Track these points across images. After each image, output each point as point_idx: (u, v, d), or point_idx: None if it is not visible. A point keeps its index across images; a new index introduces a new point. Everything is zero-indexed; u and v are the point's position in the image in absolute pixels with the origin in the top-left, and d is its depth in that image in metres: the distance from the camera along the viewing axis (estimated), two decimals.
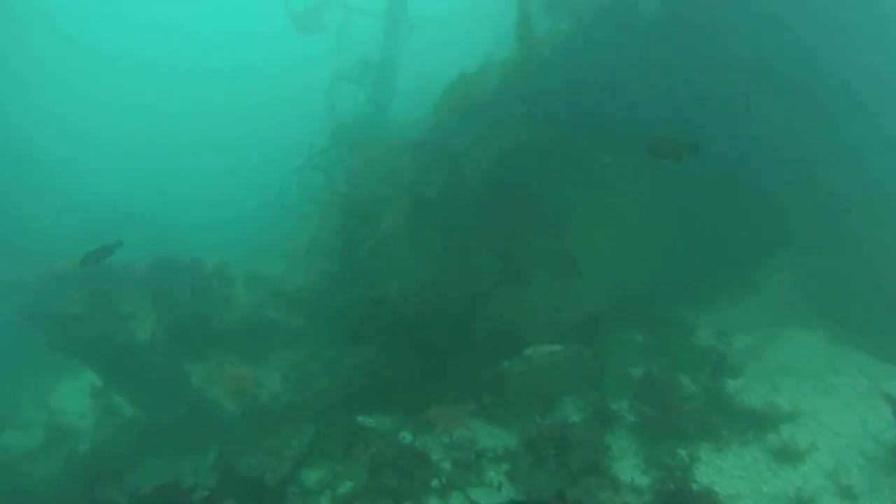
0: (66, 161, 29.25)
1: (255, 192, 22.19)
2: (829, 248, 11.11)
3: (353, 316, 9.91)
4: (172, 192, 24.22)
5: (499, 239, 9.62)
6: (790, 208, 11.18)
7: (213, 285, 11.78)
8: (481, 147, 9.80)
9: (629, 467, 8.62)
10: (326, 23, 15.92)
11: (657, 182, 10.50)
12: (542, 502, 7.50)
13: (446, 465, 9.04)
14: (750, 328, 11.20)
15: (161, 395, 10.62)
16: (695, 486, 8.07)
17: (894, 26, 10.60)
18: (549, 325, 10.27)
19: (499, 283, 9.64)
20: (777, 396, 9.46)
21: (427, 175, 9.48)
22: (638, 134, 10.37)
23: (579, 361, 10.30)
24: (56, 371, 16.22)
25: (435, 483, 8.75)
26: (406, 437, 9.64)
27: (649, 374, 10.14)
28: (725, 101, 9.97)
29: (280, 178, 10.30)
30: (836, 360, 10.50)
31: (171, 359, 10.72)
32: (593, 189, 10.52)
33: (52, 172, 27.34)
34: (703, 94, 10.04)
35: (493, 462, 9.09)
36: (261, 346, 11.42)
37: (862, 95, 10.53)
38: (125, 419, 12.15)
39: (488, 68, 11.30)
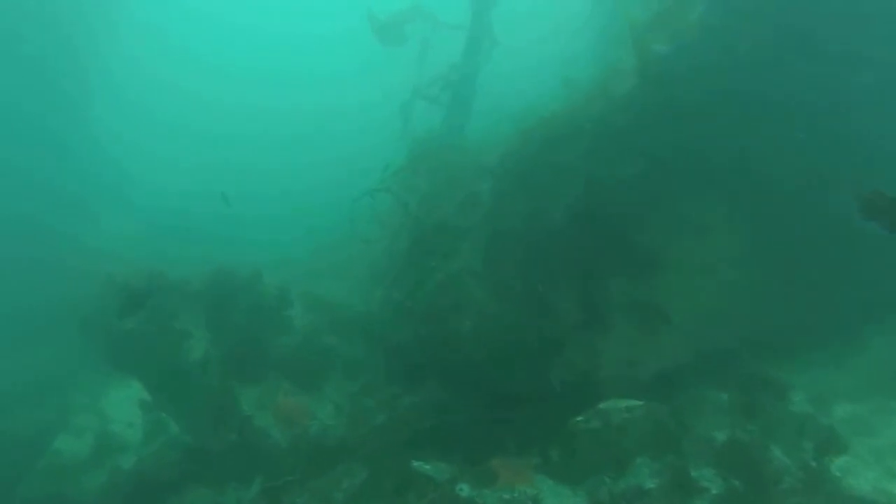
0: (149, 159, 29.90)
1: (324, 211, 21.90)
2: None
3: (417, 352, 9.10)
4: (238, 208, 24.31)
5: (580, 280, 8.67)
6: None
7: (272, 306, 11.19)
8: (566, 178, 8.92)
9: None
10: (409, 34, 15.28)
11: (759, 228, 9.46)
12: None
13: None
14: (855, 396, 9.87)
15: (209, 418, 10.02)
16: None
17: None
18: (627, 378, 9.26)
19: (577, 329, 8.68)
20: (892, 484, 8.18)
21: (507, 205, 8.65)
22: (746, 175, 9.59)
23: (658, 420, 9.24)
24: (111, 374, 16.01)
25: None
26: (464, 489, 8.72)
27: (735, 440, 9.02)
28: (847, 141, 8.84)
29: (351, 199, 9.66)
30: None
31: (222, 381, 10.12)
32: (686, 232, 9.49)
33: (133, 171, 27.78)
34: (819, 133, 8.95)
35: None
36: (316, 373, 10.74)
37: None
38: (171, 436, 11.64)
39: (574, 93, 10.51)
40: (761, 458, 8.61)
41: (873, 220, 5.06)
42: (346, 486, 8.82)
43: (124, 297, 10.23)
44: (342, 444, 9.62)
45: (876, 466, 8.50)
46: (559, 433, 9.09)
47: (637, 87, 9.57)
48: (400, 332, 9.55)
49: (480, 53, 15.29)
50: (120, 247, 19.90)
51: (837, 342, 10.54)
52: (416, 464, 9.12)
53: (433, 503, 8.46)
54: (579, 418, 8.81)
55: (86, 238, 20.50)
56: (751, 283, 9.71)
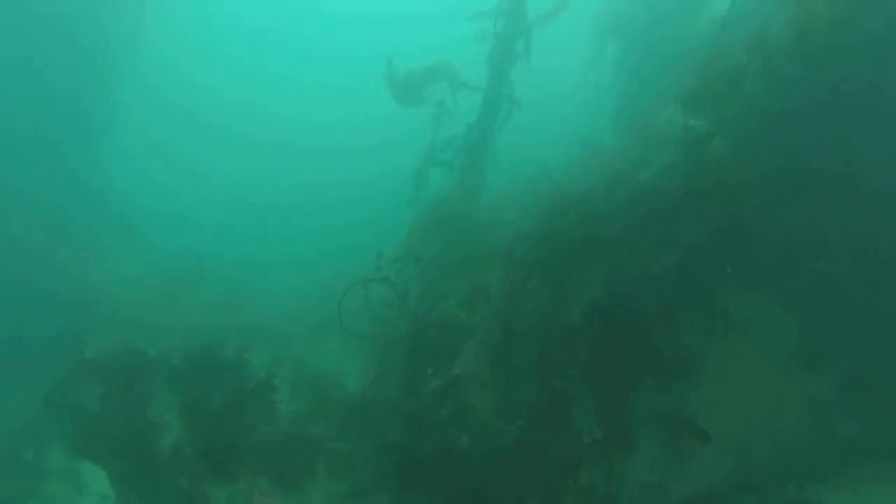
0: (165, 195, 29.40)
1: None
2: None
3: (411, 460, 7.76)
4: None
5: (602, 389, 7.35)
6: None
7: (256, 388, 9.92)
8: (588, 268, 7.67)
9: None
10: (428, 94, 14.14)
11: (810, 326, 8.13)
12: None
13: None
14: None
15: None
16: None
17: None
18: None
19: (596, 446, 7.31)
20: None
21: (519, 300, 7.41)
22: (797, 266, 8.30)
23: None
24: None
25: None
26: None
27: None
28: None
29: (342, 290, 8.44)
30: None
31: (192, 477, 8.82)
32: (725, 332, 8.15)
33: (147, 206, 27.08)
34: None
35: None
36: (299, 469, 9.39)
37: None
38: None
39: (595, 164, 9.36)
40: None
41: None
42: None
43: (93, 377, 9.06)
44: None
45: None
46: None
47: (671, 161, 8.39)
48: (394, 433, 8.23)
49: (498, 115, 14.23)
50: (124, 287, 19.00)
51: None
52: None
53: None
54: None
55: (90, 275, 19.58)
56: (800, 393, 8.31)
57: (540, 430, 7.21)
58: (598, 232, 7.97)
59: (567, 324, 7.51)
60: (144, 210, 25.96)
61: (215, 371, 9.72)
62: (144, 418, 8.94)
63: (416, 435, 7.34)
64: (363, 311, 8.60)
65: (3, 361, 15.97)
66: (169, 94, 39.92)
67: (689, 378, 8.11)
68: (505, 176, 15.63)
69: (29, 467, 14.86)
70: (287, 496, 8.98)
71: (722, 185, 8.00)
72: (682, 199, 7.92)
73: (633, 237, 8.02)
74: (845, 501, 8.72)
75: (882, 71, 7.21)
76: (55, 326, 16.32)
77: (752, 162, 7.85)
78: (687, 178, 7.91)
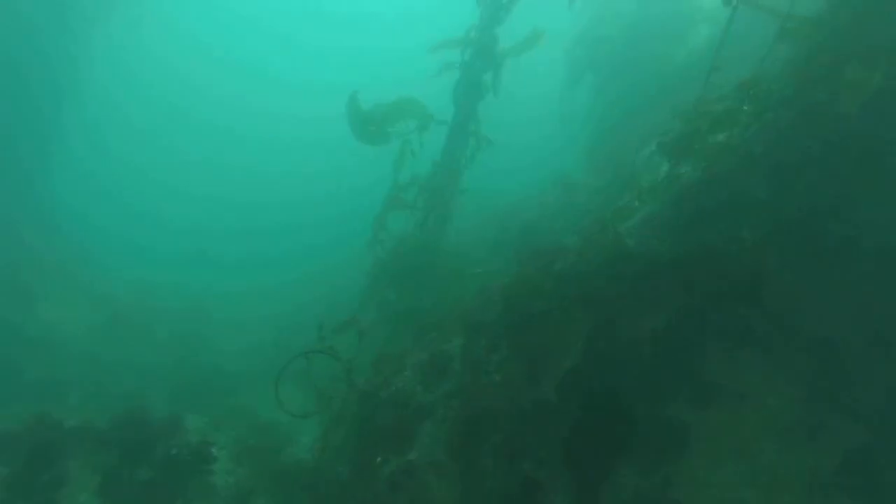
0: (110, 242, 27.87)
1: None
2: None
3: None
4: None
5: (580, 475, 6.32)
6: None
7: (190, 458, 8.69)
8: (562, 335, 6.70)
9: None
10: (392, 132, 13.01)
11: (812, 393, 7.24)
12: None
13: None
14: None
15: None
16: None
17: None
18: None
19: None
20: None
21: (484, 372, 6.37)
22: (796, 328, 7.45)
23: None
24: None
25: None
26: None
27: None
28: None
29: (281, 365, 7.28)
30: None
31: None
32: (715, 402, 7.21)
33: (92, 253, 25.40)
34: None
35: None
36: None
37: None
38: None
39: (567, 207, 8.39)
40: None
41: None
42: None
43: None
44: None
45: None
46: None
47: (656, 214, 7.50)
48: None
49: (464, 153, 13.33)
50: (59, 337, 17.55)
51: None
52: None
53: None
54: None
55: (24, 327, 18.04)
56: (800, 468, 7.37)
57: None
58: (575, 293, 7.00)
59: (540, 399, 6.48)
60: (98, 232, 24.38)
61: (143, 440, 8.47)
62: (54, 500, 7.63)
63: None
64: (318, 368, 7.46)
65: None
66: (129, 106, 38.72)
67: (675, 457, 7.14)
68: (473, 210, 14.73)
69: None
70: None
71: (710, 246, 7.12)
72: (668, 258, 7.00)
73: (615, 299, 7.07)
74: None
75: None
76: None
77: (746, 217, 6.98)
78: (675, 234, 7.01)
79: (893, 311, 6.82)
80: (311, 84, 43.22)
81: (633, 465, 6.88)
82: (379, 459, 5.90)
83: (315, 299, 20.36)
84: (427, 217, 13.04)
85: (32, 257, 20.32)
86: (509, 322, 6.89)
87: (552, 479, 6.42)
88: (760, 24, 7.97)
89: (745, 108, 6.92)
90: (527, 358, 6.62)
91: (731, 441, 7.24)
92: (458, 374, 6.45)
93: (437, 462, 6.08)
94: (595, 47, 17.34)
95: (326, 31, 48.74)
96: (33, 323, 18.05)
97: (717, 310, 7.22)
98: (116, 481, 8.05)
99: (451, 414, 6.21)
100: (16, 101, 19.56)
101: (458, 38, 13.23)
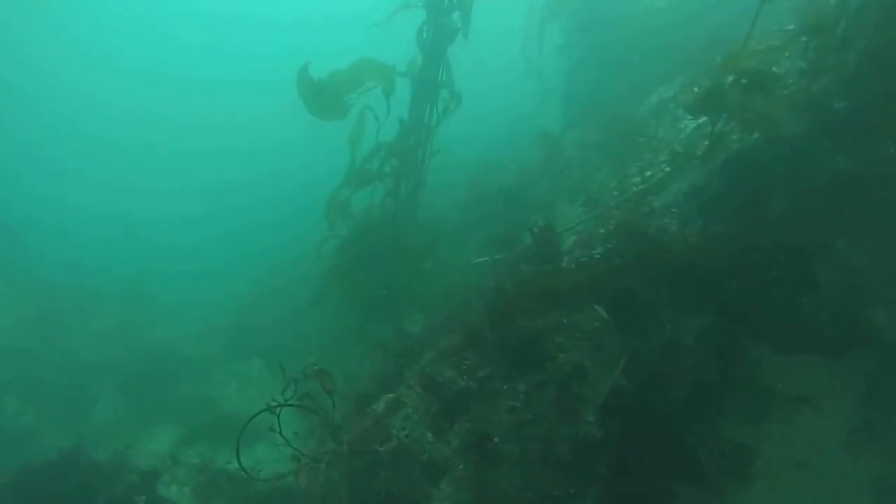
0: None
1: None
2: None
3: None
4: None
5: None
6: None
7: None
8: (600, 352, 5.22)
9: None
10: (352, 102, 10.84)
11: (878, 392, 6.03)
12: None
13: None
14: None
15: None
16: None
17: None
18: None
19: None
20: None
21: (510, 410, 4.86)
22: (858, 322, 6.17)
23: None
24: None
25: None
26: None
27: None
28: None
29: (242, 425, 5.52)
30: None
31: None
32: (774, 411, 5.90)
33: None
34: None
35: None
36: None
37: None
38: None
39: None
40: None
41: None
42: None
43: None
44: None
45: None
46: None
47: (695, 187, 5.96)
48: None
49: (436, 107, 11.43)
50: None
51: None
52: None
53: None
54: None
55: None
56: (865, 476, 6.23)
57: None
58: (607, 294, 5.47)
59: (576, 434, 5.00)
60: (21, 221, 21.62)
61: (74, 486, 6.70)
62: None
63: None
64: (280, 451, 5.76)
65: None
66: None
67: (730, 478, 5.84)
68: (443, 173, 12.93)
69: None
70: None
71: (767, 221, 5.64)
72: (721, 244, 5.51)
73: (657, 298, 5.57)
74: None
75: None
76: None
77: (816, 190, 5.50)
78: (730, 213, 5.49)
79: None
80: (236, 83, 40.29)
81: (690, 497, 5.57)
82: None
83: (272, 273, 18.46)
84: (398, 184, 11.23)
85: None
86: (526, 338, 5.33)
87: None
88: None
89: (816, 51, 5.34)
90: (556, 382, 5.10)
91: (791, 454, 5.99)
92: (477, 414, 4.89)
93: None
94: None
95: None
96: None
97: (769, 304, 5.84)
98: None
99: (470, 469, 4.69)
100: None
101: None
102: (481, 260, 6.97)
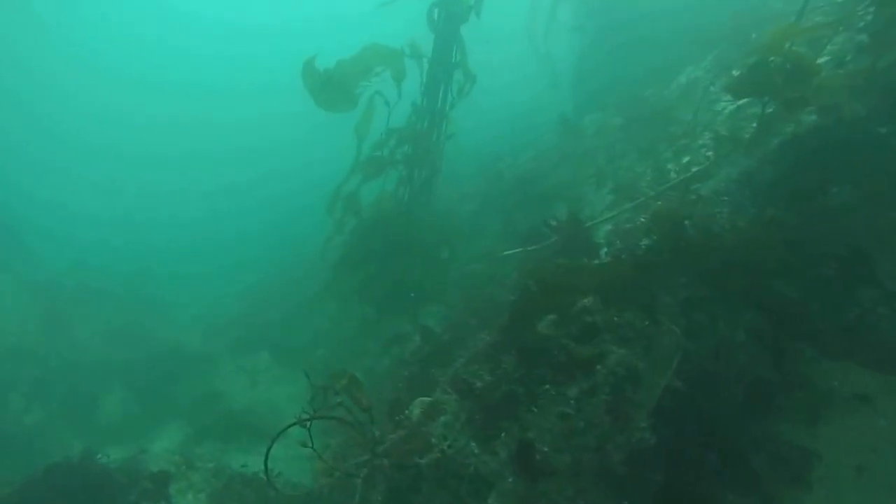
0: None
1: None
2: None
3: None
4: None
5: None
6: None
7: None
8: (652, 351, 4.86)
9: None
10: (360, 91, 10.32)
11: None
12: None
13: None
14: None
15: None
16: None
17: None
18: None
19: None
20: None
21: (560, 417, 4.50)
22: None
23: None
24: None
25: None
26: None
27: None
28: None
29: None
30: None
31: None
32: (826, 413, 5.53)
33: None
34: None
35: None
36: None
37: None
38: None
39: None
40: None
41: None
42: None
43: None
44: None
45: None
46: None
47: (756, 171, 5.55)
48: None
49: (450, 89, 10.96)
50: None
51: None
52: None
53: None
54: None
55: None
56: None
57: None
58: (657, 290, 5.08)
59: (630, 442, 4.63)
60: (25, 223, 21.17)
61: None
62: None
63: None
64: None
65: None
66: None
67: (797, 485, 5.48)
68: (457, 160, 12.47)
69: None
70: None
71: (826, 211, 5.25)
72: (776, 235, 5.10)
73: (709, 295, 5.19)
74: None
75: None
76: None
77: (867, 174, 5.09)
78: (787, 202, 5.08)
79: None
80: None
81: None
82: None
83: (276, 273, 18.07)
84: (412, 171, 10.80)
85: None
86: (574, 336, 4.94)
87: None
88: None
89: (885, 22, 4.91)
90: (609, 388, 4.72)
91: (849, 456, 5.63)
92: (523, 420, 4.51)
93: None
94: None
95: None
96: None
97: (820, 302, 5.46)
98: None
99: (522, 484, 4.31)
100: None
101: None
102: (511, 252, 6.50)
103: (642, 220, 5.79)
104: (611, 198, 8.09)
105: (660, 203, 5.66)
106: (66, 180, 30.70)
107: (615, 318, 5.03)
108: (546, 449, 4.46)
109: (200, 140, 34.37)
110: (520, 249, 6.35)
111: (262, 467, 5.13)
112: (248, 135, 33.31)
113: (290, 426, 4.18)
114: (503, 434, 4.50)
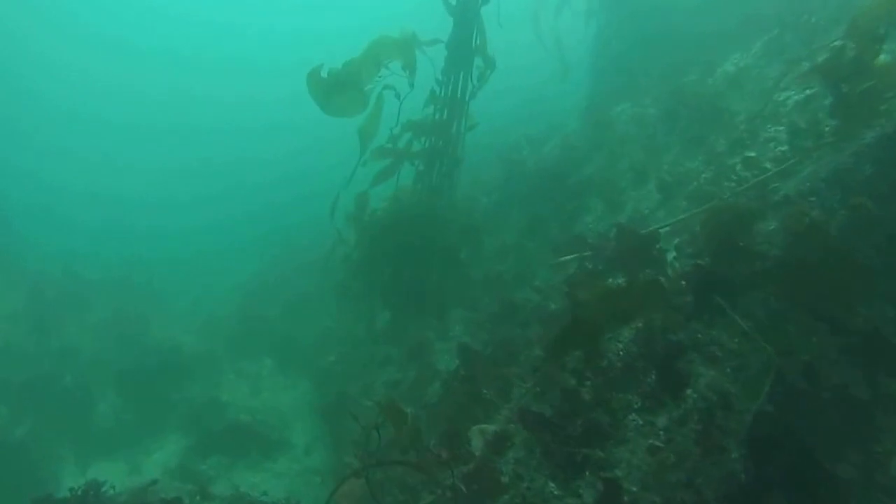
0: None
1: None
2: None
3: None
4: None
5: None
6: None
7: None
8: (743, 373, 4.42)
9: None
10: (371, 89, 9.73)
11: None
12: None
13: None
14: None
15: None
16: None
17: None
18: None
19: None
20: None
21: (649, 451, 4.03)
22: None
23: None
24: None
25: None
26: None
27: None
28: None
29: None
30: None
31: None
32: None
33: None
34: None
35: None
36: None
37: None
38: None
39: None
40: None
41: None
42: None
43: None
44: None
45: None
46: None
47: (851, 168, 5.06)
48: None
49: (470, 75, 10.39)
50: None
51: None
52: None
53: None
54: None
55: None
56: None
57: None
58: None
59: (722, 475, 4.18)
60: (11, 205, 20.36)
61: None
62: None
63: None
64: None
65: None
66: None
67: None
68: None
69: None
70: None
71: None
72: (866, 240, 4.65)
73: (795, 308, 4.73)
74: None
75: None
76: None
77: None
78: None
79: None
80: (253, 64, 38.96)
81: None
82: None
83: (281, 258, 17.42)
84: (432, 164, 10.24)
85: None
86: (658, 356, 4.46)
87: None
88: None
89: None
90: (699, 414, 4.24)
91: None
92: (609, 455, 4.02)
93: None
94: None
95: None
96: None
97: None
98: None
99: None
100: None
101: None
102: (567, 258, 5.98)
103: (717, 223, 5.30)
104: (658, 196, 7.59)
105: (740, 204, 5.17)
106: (52, 156, 29.83)
107: (699, 336, 4.55)
108: (635, 489, 3.98)
109: (201, 115, 33.46)
110: (575, 256, 5.82)
111: (283, 493, 4.61)
112: (254, 112, 32.41)
113: (347, 478, 3.63)
114: (587, 472, 4.00)
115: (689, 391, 4.26)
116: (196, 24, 43.96)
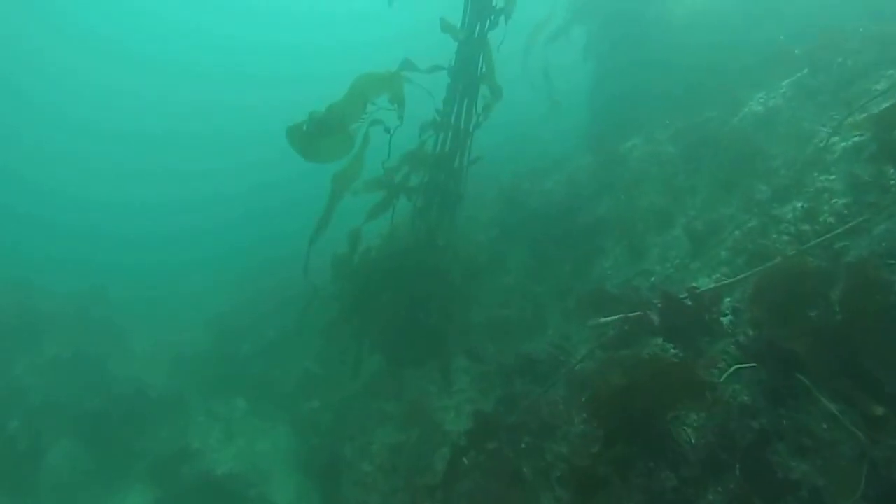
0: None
1: None
2: None
3: None
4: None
5: None
6: None
7: None
8: (833, 463, 3.92)
9: None
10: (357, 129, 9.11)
11: None
12: None
13: None
14: None
15: None
16: None
17: None
18: None
19: None
20: None
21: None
22: None
23: None
24: None
25: None
26: None
27: None
28: None
29: None
30: None
31: None
32: None
33: None
34: None
35: None
36: None
37: None
38: None
39: None
40: None
41: None
42: None
43: None
44: None
45: None
46: None
47: None
48: None
49: (474, 105, 9.89)
50: None
51: None
52: None
53: None
54: None
55: None
56: None
57: None
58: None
59: None
60: None
61: None
62: None
63: None
64: None
65: None
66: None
67: None
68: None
69: None
70: None
71: None
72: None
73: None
74: None
75: None
76: None
77: None
78: None
79: None
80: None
81: None
82: None
83: (259, 296, 16.55)
84: (431, 200, 9.68)
85: None
86: (741, 447, 3.93)
87: None
88: None
89: None
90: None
91: None
92: None
93: None
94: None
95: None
96: None
97: None
98: None
99: None
100: None
101: None
102: (607, 320, 5.43)
103: (779, 284, 4.82)
104: (688, 243, 7.14)
105: (807, 264, 4.70)
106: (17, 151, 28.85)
107: (784, 422, 4.03)
108: None
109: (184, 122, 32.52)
110: (617, 318, 5.28)
111: None
112: (243, 118, 31.60)
113: None
114: None
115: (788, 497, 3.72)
116: (191, 32, 43.56)
